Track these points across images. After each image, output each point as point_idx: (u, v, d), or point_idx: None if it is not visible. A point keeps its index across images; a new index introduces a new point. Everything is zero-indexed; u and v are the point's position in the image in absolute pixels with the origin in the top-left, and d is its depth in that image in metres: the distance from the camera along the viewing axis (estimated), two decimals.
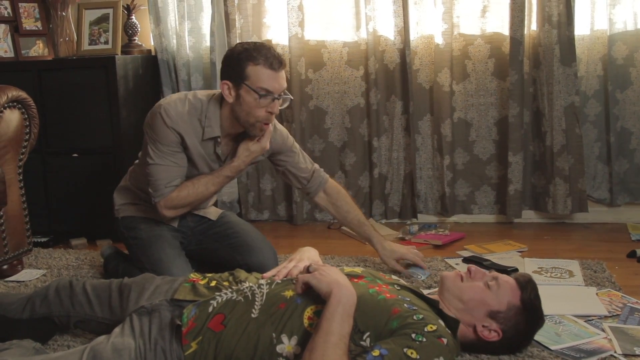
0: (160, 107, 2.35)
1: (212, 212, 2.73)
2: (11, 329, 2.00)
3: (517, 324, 1.79)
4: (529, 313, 1.80)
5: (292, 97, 2.43)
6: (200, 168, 2.46)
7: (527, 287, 1.82)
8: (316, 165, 2.73)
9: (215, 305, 1.78)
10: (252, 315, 1.73)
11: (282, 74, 2.30)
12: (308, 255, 2.09)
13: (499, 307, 1.79)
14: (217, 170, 2.46)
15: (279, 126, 2.60)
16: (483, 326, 1.79)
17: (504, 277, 1.85)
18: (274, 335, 1.68)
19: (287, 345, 1.66)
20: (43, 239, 3.36)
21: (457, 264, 2.81)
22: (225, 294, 1.83)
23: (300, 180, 2.69)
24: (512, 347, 1.87)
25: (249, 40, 2.44)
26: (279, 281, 1.86)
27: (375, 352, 1.54)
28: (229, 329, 1.71)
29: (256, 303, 1.76)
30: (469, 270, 1.90)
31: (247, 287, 1.84)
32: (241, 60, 2.26)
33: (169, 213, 2.43)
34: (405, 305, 1.69)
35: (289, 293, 1.77)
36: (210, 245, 2.64)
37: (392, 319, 1.64)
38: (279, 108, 2.34)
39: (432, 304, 1.79)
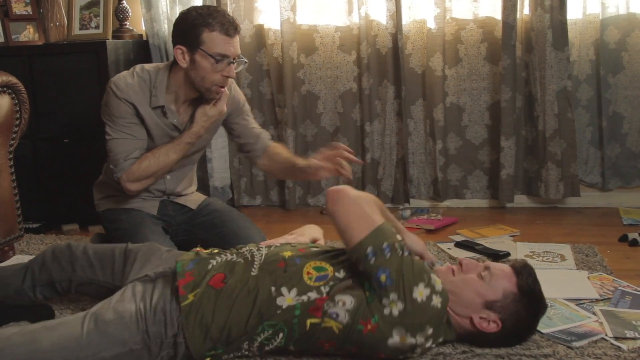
0: (110, 82, 2.38)
1: (193, 201, 2.70)
2: (8, 315, 1.99)
3: (516, 312, 1.74)
4: (527, 298, 1.74)
5: (246, 61, 2.44)
6: (160, 139, 2.45)
7: (523, 273, 1.76)
8: (264, 132, 2.68)
9: (214, 264, 1.80)
10: (252, 273, 1.75)
11: (237, 38, 2.30)
12: (310, 232, 2.11)
13: (494, 296, 1.74)
14: (177, 137, 2.44)
15: (236, 87, 2.60)
16: (480, 318, 1.75)
17: (497, 266, 1.81)
18: (273, 288, 1.70)
19: (287, 297, 1.68)
20: (34, 225, 3.35)
21: (449, 248, 2.82)
22: (225, 255, 1.86)
23: (250, 143, 2.63)
24: (515, 338, 1.81)
25: (202, 5, 2.41)
26: (278, 245, 1.91)
27: (382, 278, 1.64)
28: (228, 285, 1.73)
29: (255, 262, 1.79)
30: (460, 263, 1.86)
31: (246, 250, 1.87)
32: (196, 26, 2.25)
33: (133, 186, 2.40)
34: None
35: (287, 253, 1.80)
36: (199, 236, 2.60)
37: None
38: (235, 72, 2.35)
39: None
